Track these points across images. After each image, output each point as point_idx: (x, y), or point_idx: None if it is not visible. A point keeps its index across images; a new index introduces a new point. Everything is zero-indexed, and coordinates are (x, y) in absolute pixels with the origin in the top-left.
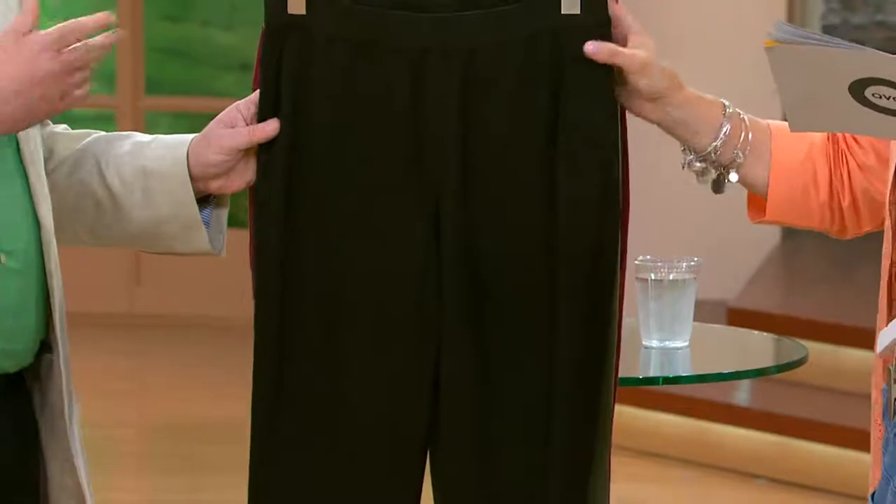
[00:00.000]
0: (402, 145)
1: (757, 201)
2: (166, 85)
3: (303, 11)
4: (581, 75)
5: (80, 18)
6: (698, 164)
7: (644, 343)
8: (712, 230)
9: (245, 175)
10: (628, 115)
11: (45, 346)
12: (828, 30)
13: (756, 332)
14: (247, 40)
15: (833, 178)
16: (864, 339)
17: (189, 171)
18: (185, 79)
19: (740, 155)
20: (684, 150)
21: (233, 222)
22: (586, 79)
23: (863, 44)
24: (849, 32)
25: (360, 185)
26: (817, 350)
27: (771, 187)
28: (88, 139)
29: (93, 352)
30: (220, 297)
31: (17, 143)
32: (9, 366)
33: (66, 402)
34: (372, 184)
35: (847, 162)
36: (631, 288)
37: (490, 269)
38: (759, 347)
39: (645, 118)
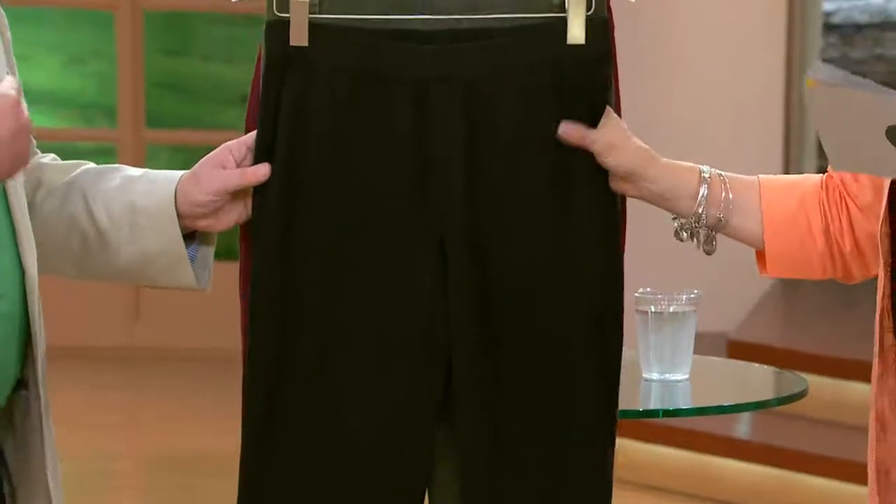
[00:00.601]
0: (406, 172)
1: (763, 256)
2: (167, 119)
3: (305, 43)
4: (583, 103)
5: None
6: (684, 234)
7: (644, 375)
8: (712, 263)
9: (233, 214)
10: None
11: (21, 383)
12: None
13: (756, 364)
14: (247, 74)
15: (830, 225)
16: (865, 372)
17: (176, 208)
18: (185, 113)
19: (722, 216)
20: (674, 217)
21: (228, 255)
22: (588, 106)
23: (864, 77)
24: (848, 67)
25: (363, 214)
26: (818, 383)
27: (766, 243)
28: (77, 172)
29: (91, 385)
30: (219, 330)
31: (4, 191)
32: None
33: (44, 443)
34: (375, 211)
35: (847, 206)
36: (630, 320)
37: (498, 293)
38: (759, 380)
39: (626, 195)
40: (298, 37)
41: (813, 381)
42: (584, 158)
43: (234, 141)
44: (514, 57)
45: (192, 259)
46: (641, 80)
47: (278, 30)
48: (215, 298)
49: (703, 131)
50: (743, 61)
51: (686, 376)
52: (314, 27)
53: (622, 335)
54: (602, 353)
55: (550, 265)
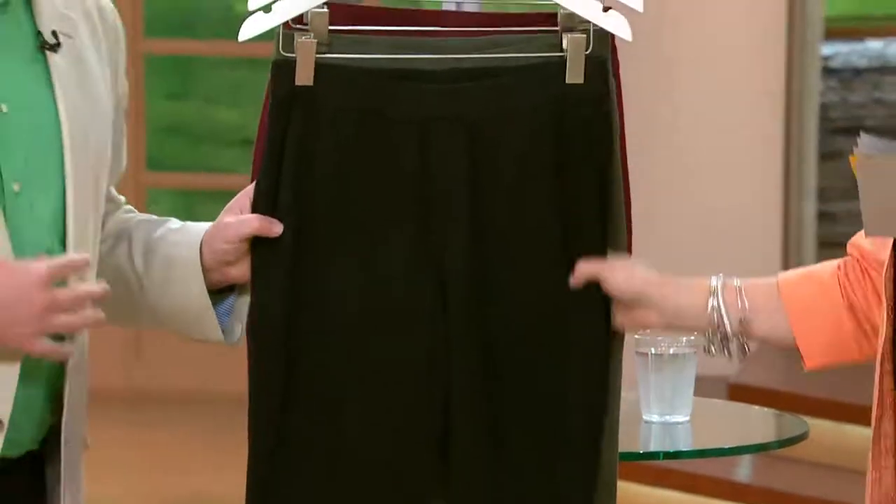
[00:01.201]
0: (409, 211)
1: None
2: (168, 162)
3: (310, 83)
4: (583, 142)
5: (71, 257)
6: (713, 348)
7: (644, 417)
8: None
9: None
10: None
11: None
12: (826, 108)
13: (757, 407)
14: (250, 117)
15: (854, 304)
16: (866, 416)
17: (202, 261)
18: (187, 156)
19: (744, 320)
20: (703, 335)
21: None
22: (589, 146)
23: (862, 121)
24: (848, 111)
25: (366, 252)
26: (819, 427)
27: (797, 337)
28: (128, 223)
29: (90, 430)
30: (223, 371)
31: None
32: (13, 452)
33: (62, 493)
34: (378, 250)
35: (871, 278)
36: (631, 362)
37: (499, 334)
38: (760, 423)
39: (637, 327)
40: (304, 76)
41: (814, 424)
42: (587, 198)
43: (251, 186)
44: (517, 97)
45: (229, 311)
46: (639, 122)
47: (284, 69)
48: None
49: (703, 176)
50: (742, 108)
51: (686, 418)
52: (320, 67)
53: (621, 369)
54: (601, 385)
55: (551, 304)
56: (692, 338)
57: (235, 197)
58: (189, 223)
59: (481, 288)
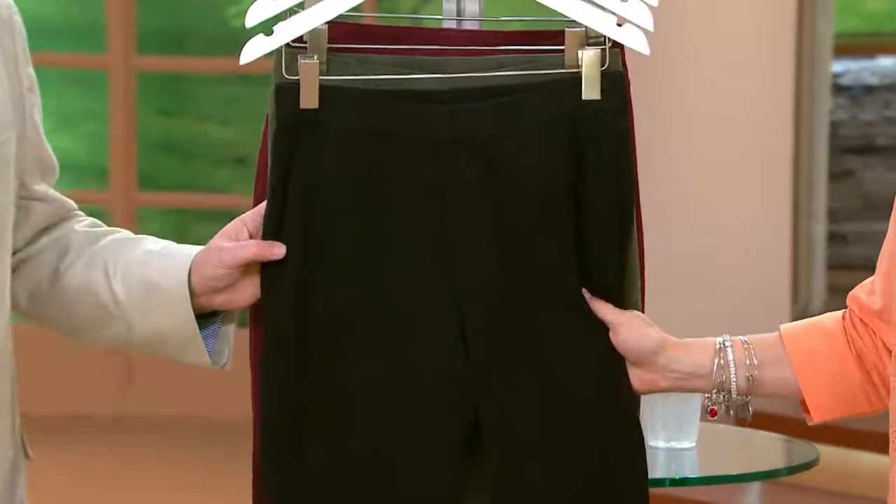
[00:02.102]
0: (424, 235)
1: (807, 405)
2: (160, 181)
3: (316, 105)
4: (601, 159)
5: None
6: (723, 406)
7: (650, 443)
8: (720, 329)
9: (250, 290)
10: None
11: None
12: (836, 126)
13: (765, 432)
14: (243, 135)
15: (862, 353)
16: (878, 442)
17: (191, 285)
18: (179, 174)
19: (751, 376)
20: (706, 396)
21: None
22: (607, 162)
23: (873, 140)
24: (858, 129)
25: (380, 279)
26: (829, 453)
27: (803, 389)
28: (103, 242)
29: (82, 456)
30: (217, 397)
31: None
32: None
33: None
34: (393, 276)
35: (873, 330)
36: None
37: (521, 364)
38: (768, 449)
39: (655, 390)
40: (309, 100)
41: (824, 450)
42: (606, 220)
43: (249, 212)
44: (531, 114)
45: (214, 335)
46: (644, 140)
47: (288, 93)
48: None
49: (709, 196)
50: (750, 126)
51: (693, 444)
52: (324, 89)
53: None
54: (623, 396)
55: (571, 326)
56: None
57: (232, 222)
58: (171, 245)
59: (500, 313)
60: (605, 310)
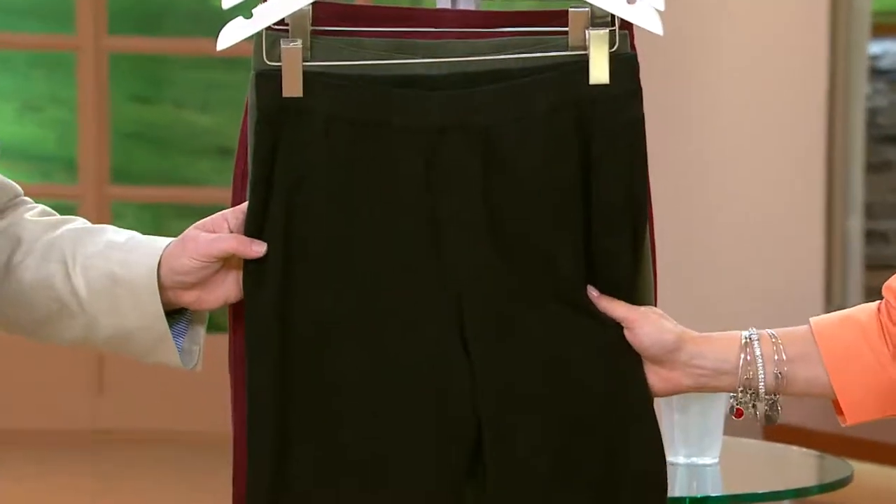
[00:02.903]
0: (418, 230)
1: (839, 405)
2: (134, 173)
3: (299, 93)
4: (612, 147)
5: None
6: (750, 406)
7: (669, 459)
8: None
9: (222, 290)
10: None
11: None
12: (873, 113)
13: (795, 447)
14: (225, 123)
15: None
16: None
17: (159, 279)
18: (155, 166)
19: (780, 373)
20: (732, 395)
21: (215, 326)
22: (617, 151)
23: None
24: (895, 114)
25: (371, 279)
26: (863, 470)
27: (835, 387)
28: (60, 231)
29: (49, 473)
30: (193, 409)
31: None
32: None
33: None
34: (384, 277)
35: None
36: (654, 401)
37: (521, 357)
38: (798, 465)
39: (678, 390)
40: (292, 87)
41: (858, 467)
42: (616, 212)
43: (231, 209)
44: (534, 99)
45: (182, 335)
46: (666, 127)
47: (269, 80)
48: (189, 373)
49: (736, 190)
50: (780, 113)
51: (715, 460)
52: (308, 76)
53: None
54: (633, 401)
55: (577, 323)
56: None
57: (211, 216)
58: (136, 235)
59: (501, 315)
60: (616, 307)
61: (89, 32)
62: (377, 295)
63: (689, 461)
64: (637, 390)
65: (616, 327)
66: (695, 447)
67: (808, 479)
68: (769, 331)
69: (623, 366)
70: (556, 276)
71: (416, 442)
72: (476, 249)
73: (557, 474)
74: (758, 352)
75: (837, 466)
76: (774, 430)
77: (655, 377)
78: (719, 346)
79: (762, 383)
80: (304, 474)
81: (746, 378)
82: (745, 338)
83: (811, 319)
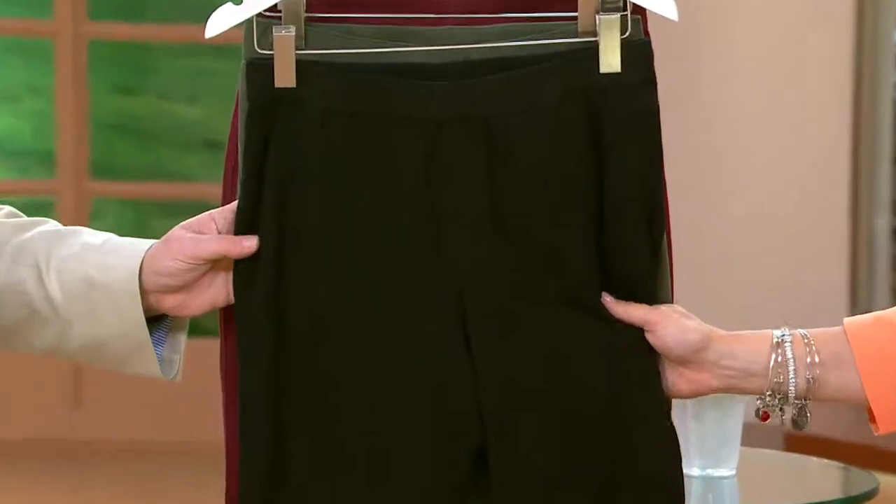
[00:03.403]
0: (417, 228)
1: (872, 412)
2: (116, 167)
3: (292, 84)
4: (623, 139)
5: None
6: (777, 411)
7: (684, 471)
8: None
9: (206, 296)
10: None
11: None
12: None
13: (818, 459)
14: (213, 115)
15: None
16: None
17: (140, 283)
18: (138, 160)
19: (812, 377)
20: (758, 398)
21: (193, 330)
22: (629, 142)
23: None
24: None
25: (369, 279)
26: (889, 482)
27: (870, 398)
28: (31, 233)
29: (26, 484)
30: (173, 420)
31: None
32: None
33: None
34: (382, 277)
35: None
36: None
37: (526, 362)
38: (821, 477)
39: (704, 391)
40: (285, 77)
41: (885, 479)
42: (629, 206)
43: (220, 209)
44: (541, 89)
45: (161, 343)
46: (684, 118)
47: (261, 70)
48: (169, 382)
49: (756, 184)
50: (803, 103)
51: (733, 472)
52: (301, 64)
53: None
54: (637, 402)
55: (582, 321)
56: None
57: (197, 216)
58: (114, 237)
59: (504, 311)
60: (633, 311)
61: (68, 17)
62: (375, 290)
63: (704, 473)
64: (643, 390)
65: (623, 326)
66: (711, 458)
67: (831, 491)
68: (801, 331)
69: (627, 366)
70: (560, 273)
71: (416, 438)
72: (478, 245)
73: (559, 472)
74: (790, 353)
75: (862, 479)
76: (796, 441)
77: (680, 379)
78: (749, 345)
79: (793, 386)
80: (300, 470)
81: (776, 381)
82: (777, 337)
83: (844, 321)
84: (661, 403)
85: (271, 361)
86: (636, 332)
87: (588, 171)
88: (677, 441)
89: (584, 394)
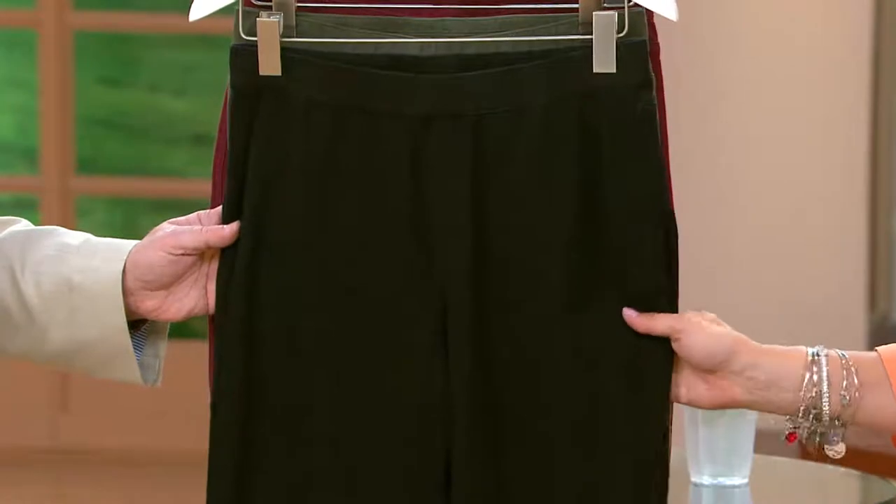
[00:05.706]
0: (402, 227)
1: None
2: (102, 163)
3: (277, 72)
4: (619, 143)
5: None
6: (806, 432)
7: (693, 480)
8: (780, 340)
9: (187, 301)
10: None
11: None
12: None
13: (833, 467)
14: (203, 108)
15: None
16: None
17: (123, 284)
18: (125, 156)
19: (849, 400)
20: (788, 418)
21: (181, 333)
22: (626, 147)
23: None
24: None
25: (350, 279)
26: None
27: None
28: (3, 234)
29: (10, 492)
30: (160, 426)
31: None
32: None
33: None
34: (364, 276)
35: None
36: (677, 412)
37: (509, 377)
38: (838, 486)
39: (729, 404)
40: (269, 65)
41: None
42: (629, 216)
43: (206, 211)
44: (534, 88)
45: (140, 348)
46: (694, 124)
47: (245, 56)
48: (156, 388)
49: (770, 189)
50: (819, 107)
51: (745, 481)
52: (288, 53)
53: (670, 418)
54: (635, 433)
55: (566, 327)
56: None
57: (185, 217)
58: (92, 238)
59: (489, 323)
60: (656, 323)
61: (52, 7)
62: (358, 285)
63: (715, 482)
64: (622, 396)
65: (608, 331)
66: (722, 466)
67: (848, 501)
68: (838, 351)
69: (610, 372)
70: (544, 280)
71: (390, 450)
72: (462, 246)
73: (534, 484)
74: (825, 372)
75: (881, 488)
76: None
77: (703, 390)
78: (781, 360)
79: (826, 406)
80: (270, 484)
81: (810, 398)
82: (812, 354)
83: (878, 349)
84: (653, 412)
85: (246, 363)
86: (616, 336)
87: (576, 176)
88: (663, 455)
89: (565, 400)
